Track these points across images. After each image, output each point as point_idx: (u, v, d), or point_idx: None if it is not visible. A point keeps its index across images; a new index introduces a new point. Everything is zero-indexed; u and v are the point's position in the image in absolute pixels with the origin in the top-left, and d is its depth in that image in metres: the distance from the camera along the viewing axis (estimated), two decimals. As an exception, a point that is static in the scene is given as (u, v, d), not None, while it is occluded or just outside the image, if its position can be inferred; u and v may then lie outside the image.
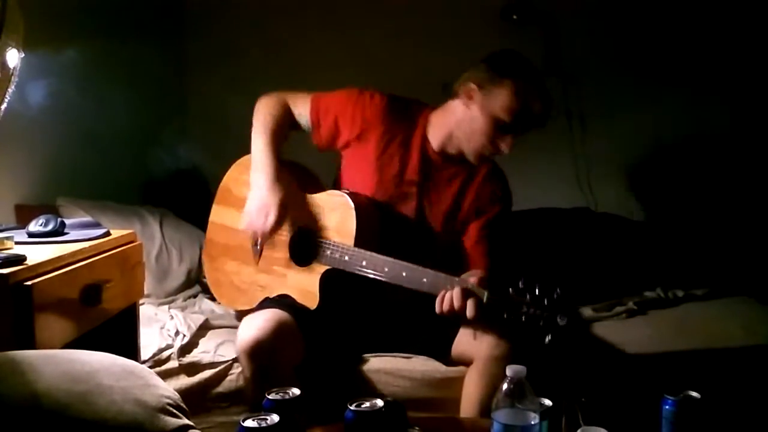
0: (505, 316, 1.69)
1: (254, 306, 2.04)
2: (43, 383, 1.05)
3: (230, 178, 2.19)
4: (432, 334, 2.00)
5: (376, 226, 2.00)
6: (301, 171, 2.15)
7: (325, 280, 1.96)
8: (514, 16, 3.34)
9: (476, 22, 3.32)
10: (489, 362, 1.85)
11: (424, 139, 2.07)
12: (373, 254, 1.89)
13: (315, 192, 2.05)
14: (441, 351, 1.98)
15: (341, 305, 2.02)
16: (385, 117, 2.05)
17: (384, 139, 2.05)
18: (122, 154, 2.84)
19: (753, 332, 2.26)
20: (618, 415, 1.35)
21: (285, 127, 2.10)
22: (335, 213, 1.98)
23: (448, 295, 1.77)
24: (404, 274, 1.85)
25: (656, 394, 1.41)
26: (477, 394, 1.86)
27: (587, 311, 2.42)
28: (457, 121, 2.01)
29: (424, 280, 1.81)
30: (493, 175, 2.10)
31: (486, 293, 1.73)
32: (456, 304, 1.74)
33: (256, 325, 1.87)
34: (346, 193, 2.00)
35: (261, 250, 2.09)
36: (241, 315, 2.07)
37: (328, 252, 1.96)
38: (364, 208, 1.98)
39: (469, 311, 1.74)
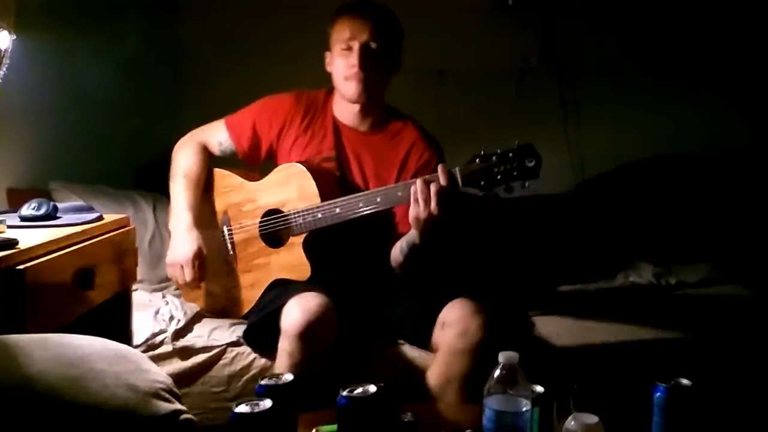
0: (482, 183, 1.78)
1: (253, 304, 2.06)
2: (35, 367, 1.05)
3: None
4: (414, 323, 1.99)
5: (332, 180, 2.06)
6: (241, 169, 2.21)
7: (309, 245, 2.00)
8: (510, 2, 3.32)
9: (471, 8, 3.31)
10: (447, 354, 1.86)
11: (334, 118, 2.12)
12: (343, 198, 1.95)
13: (263, 177, 2.11)
14: (423, 340, 1.97)
15: (333, 266, 2.05)
16: (296, 110, 2.13)
17: (300, 130, 2.11)
18: (115, 138, 2.83)
19: (744, 320, 2.27)
20: (609, 402, 1.36)
21: (202, 169, 2.18)
22: (292, 183, 2.03)
23: (412, 189, 1.81)
24: (379, 199, 1.91)
25: (647, 381, 1.42)
26: (431, 381, 1.88)
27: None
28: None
29: (399, 193, 1.87)
30: (420, 142, 2.10)
31: (458, 169, 1.80)
32: (420, 195, 1.79)
33: (306, 307, 1.85)
34: (295, 162, 2.05)
35: (235, 254, 2.14)
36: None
37: (300, 220, 2.00)
38: (316, 168, 2.04)
39: (434, 198, 1.78)
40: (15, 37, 1.53)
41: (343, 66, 2.03)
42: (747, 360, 2.15)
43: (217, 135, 2.19)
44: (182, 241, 2.08)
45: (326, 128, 2.11)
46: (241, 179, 2.15)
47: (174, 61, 3.40)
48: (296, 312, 1.85)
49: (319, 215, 1.97)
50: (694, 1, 3.26)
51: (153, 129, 3.09)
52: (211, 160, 2.21)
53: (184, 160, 2.18)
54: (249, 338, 2.01)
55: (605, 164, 3.30)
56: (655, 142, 3.32)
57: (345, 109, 2.11)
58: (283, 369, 1.88)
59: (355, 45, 2.00)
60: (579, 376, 1.70)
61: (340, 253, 2.06)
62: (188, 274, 2.05)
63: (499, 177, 1.77)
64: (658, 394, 1.40)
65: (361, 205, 1.92)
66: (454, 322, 1.87)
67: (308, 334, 1.82)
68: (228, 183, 2.18)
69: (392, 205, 1.91)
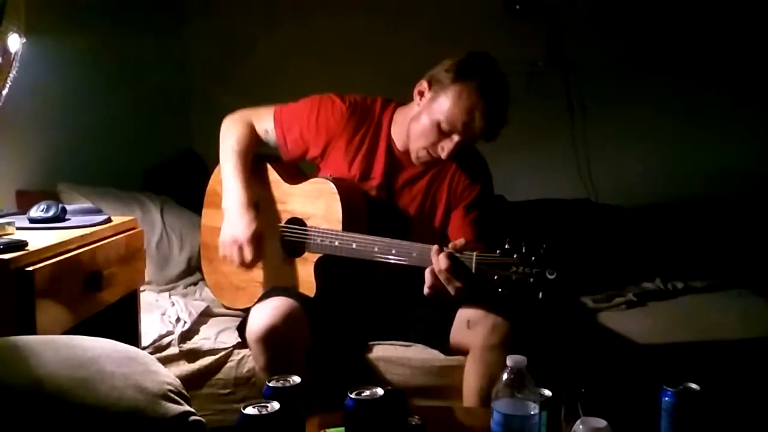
0: (495, 278, 1.66)
1: (255, 300, 2.03)
2: (44, 369, 1.05)
3: (215, 180, 2.18)
4: (429, 324, 2.00)
5: (362, 208, 2.01)
6: (283, 164, 2.14)
7: (320, 267, 1.98)
8: (517, 7, 3.33)
9: (478, 13, 3.31)
10: (485, 351, 1.85)
11: (390, 139, 2.04)
12: (362, 236, 1.90)
13: (299, 182, 2.06)
14: (438, 340, 1.98)
15: (341, 290, 2.03)
16: (348, 123, 2.03)
17: (350, 146, 2.04)
18: (123, 141, 2.83)
19: (751, 325, 2.26)
20: (617, 406, 1.35)
21: (252, 147, 2.10)
22: (321, 200, 1.99)
23: (434, 260, 1.72)
24: (394, 251, 1.84)
25: (655, 386, 1.42)
26: (476, 383, 1.86)
27: (587, 302, 2.42)
28: (411, 118, 1.98)
29: (414, 254, 1.80)
30: (465, 163, 2.02)
31: (474, 255, 1.69)
32: (443, 265, 1.69)
33: (267, 313, 1.86)
34: (329, 179, 2.00)
35: (253, 250, 2.08)
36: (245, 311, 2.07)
37: (319, 239, 1.97)
38: (348, 192, 1.99)
39: (447, 280, 1.70)
40: (25, 39, 1.54)
41: (430, 138, 1.92)
42: (754, 365, 2.14)
43: (264, 123, 2.11)
44: (241, 220, 2.00)
45: (379, 148, 2.03)
46: (278, 177, 2.09)
47: (182, 64, 3.41)
48: (256, 318, 1.87)
49: (336, 243, 1.92)
50: (700, 3, 3.25)
51: (161, 132, 3.11)
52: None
53: (235, 134, 2.09)
54: (242, 335, 2.01)
55: (613, 170, 3.31)
56: (663, 145, 3.33)
57: (401, 130, 2.01)
58: (257, 374, 1.93)
59: (455, 138, 1.89)
60: (587, 379, 1.69)
61: (353, 281, 2.03)
62: (247, 255, 1.99)
63: (514, 279, 1.63)
64: (667, 398, 1.40)
65: (376, 249, 1.86)
66: (480, 319, 1.86)
67: (269, 339, 1.83)
68: (267, 176, 2.12)
69: (405, 263, 1.82)
